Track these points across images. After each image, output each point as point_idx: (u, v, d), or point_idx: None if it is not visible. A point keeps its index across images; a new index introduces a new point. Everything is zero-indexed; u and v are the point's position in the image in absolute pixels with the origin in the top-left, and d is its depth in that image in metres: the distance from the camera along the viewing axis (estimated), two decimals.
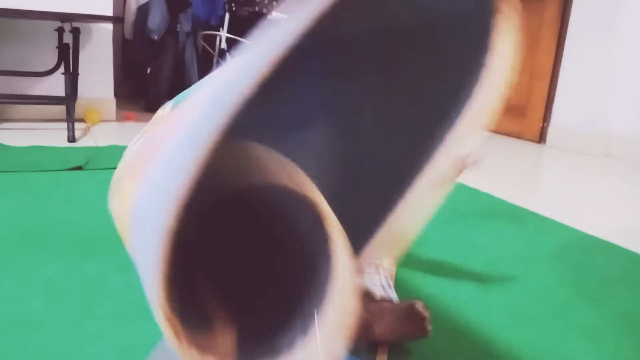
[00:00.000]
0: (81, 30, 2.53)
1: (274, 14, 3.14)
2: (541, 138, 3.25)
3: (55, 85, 2.51)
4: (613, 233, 1.57)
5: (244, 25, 3.35)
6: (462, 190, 1.93)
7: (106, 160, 1.91)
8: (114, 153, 2.02)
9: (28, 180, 1.64)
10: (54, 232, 1.26)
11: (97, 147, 2.13)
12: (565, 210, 1.81)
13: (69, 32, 2.37)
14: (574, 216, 1.72)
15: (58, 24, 2.37)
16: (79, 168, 1.79)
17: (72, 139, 2.23)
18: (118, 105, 2.94)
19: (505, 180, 2.23)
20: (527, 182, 2.28)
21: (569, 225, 1.60)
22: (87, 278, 1.04)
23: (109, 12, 2.65)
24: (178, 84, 3.52)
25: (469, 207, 1.73)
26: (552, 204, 1.91)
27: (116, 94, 2.92)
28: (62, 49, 2.37)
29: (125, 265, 1.10)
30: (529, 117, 3.34)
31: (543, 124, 3.24)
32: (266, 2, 3.18)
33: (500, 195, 1.89)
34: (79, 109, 2.68)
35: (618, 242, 1.49)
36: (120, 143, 2.26)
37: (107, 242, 1.22)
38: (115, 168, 2.04)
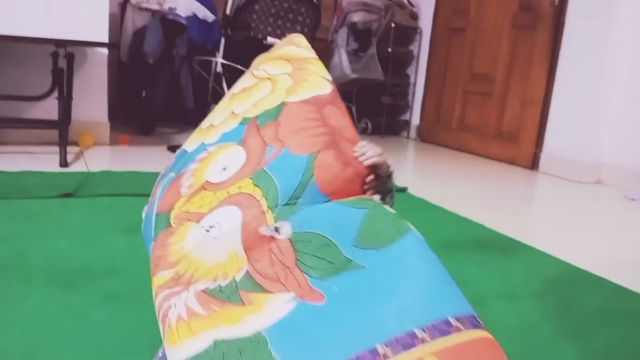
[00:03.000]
0: (76, 54, 2.54)
1: (270, 40, 3.17)
2: (534, 164, 3.27)
3: (50, 108, 2.52)
4: (601, 265, 1.57)
5: (239, 49, 3.38)
6: (454, 220, 1.93)
7: (96, 187, 1.91)
8: (105, 179, 2.03)
9: (16, 207, 1.63)
10: (38, 261, 1.25)
11: (88, 173, 2.12)
12: (555, 241, 1.81)
13: (63, 57, 2.38)
14: (563, 247, 1.72)
15: (53, 48, 2.38)
16: (69, 195, 1.79)
17: (64, 163, 2.23)
18: (113, 127, 2.94)
19: (498, 208, 2.23)
20: (518, 211, 2.28)
21: (558, 258, 1.60)
22: (69, 311, 1.03)
23: (105, 38, 2.66)
24: (173, 107, 3.53)
25: (459, 237, 1.73)
26: (542, 234, 1.91)
27: (111, 117, 2.92)
28: (57, 73, 2.38)
29: (109, 298, 1.09)
30: (521, 143, 3.35)
31: (535, 151, 3.26)
32: (261, 27, 3.21)
33: (492, 224, 1.89)
34: (73, 132, 2.69)
35: (605, 274, 1.49)
36: (112, 168, 2.26)
37: (92, 273, 1.21)
38: (105, 195, 2.03)
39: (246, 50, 3.31)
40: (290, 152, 0.92)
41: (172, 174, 1.16)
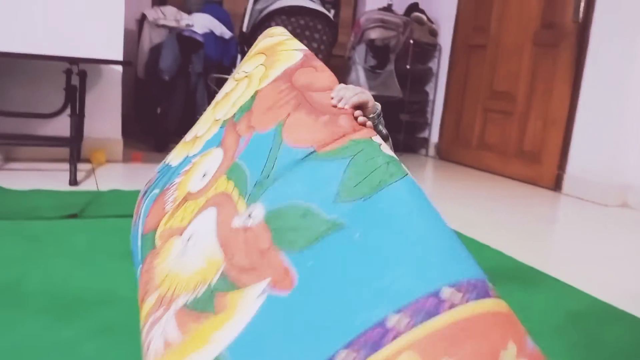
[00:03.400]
0: (91, 71, 2.53)
1: None
2: (557, 186, 3.16)
3: (63, 125, 2.50)
4: (628, 298, 1.47)
5: None
6: (472, 247, 1.84)
7: (103, 207, 1.87)
8: (113, 199, 1.99)
9: (20, 229, 1.59)
10: (34, 288, 1.20)
11: (96, 192, 2.09)
12: (578, 270, 1.72)
13: (76, 74, 2.37)
14: (587, 277, 1.62)
15: (67, 65, 2.37)
16: (74, 216, 1.75)
17: (73, 182, 2.21)
18: (128, 143, 2.93)
19: (518, 233, 2.14)
20: (540, 237, 2.19)
21: (582, 290, 1.51)
22: (59, 345, 0.98)
23: (119, 55, 2.65)
24: (188, 123, 3.51)
25: None
26: (564, 262, 1.82)
27: (127, 133, 2.91)
28: (69, 90, 2.37)
29: (101, 331, 1.04)
30: (544, 163, 3.25)
31: (558, 172, 3.15)
32: None
33: (512, 251, 1.80)
34: (86, 149, 2.67)
35: (632, 308, 1.39)
36: (123, 187, 2.22)
37: (87, 302, 1.16)
38: (112, 216, 1.99)
39: None
40: (260, 133, 0.88)
41: (156, 191, 1.12)
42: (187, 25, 3.34)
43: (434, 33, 4.19)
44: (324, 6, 3.14)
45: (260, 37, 1.19)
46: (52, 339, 1.00)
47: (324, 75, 0.88)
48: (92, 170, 2.52)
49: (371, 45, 3.85)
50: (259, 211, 0.74)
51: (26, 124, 2.57)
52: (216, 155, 0.95)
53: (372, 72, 3.83)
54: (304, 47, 0.99)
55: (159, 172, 1.23)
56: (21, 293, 1.17)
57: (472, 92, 3.87)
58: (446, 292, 0.51)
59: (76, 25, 2.58)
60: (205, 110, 3.45)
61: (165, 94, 3.24)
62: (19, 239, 1.51)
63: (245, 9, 3.19)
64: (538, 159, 3.29)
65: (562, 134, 3.13)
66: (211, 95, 3.48)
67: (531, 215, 2.53)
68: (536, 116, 3.32)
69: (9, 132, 2.52)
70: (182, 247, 0.83)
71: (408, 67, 3.99)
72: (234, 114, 1.00)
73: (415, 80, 4.16)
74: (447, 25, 4.12)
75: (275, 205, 0.73)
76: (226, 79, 3.34)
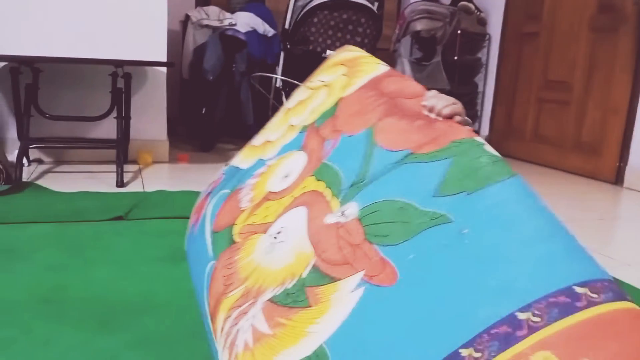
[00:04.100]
0: (136, 73, 2.55)
1: (329, 53, 3.08)
2: (617, 179, 2.98)
3: (110, 127, 2.53)
4: None
5: (299, 63, 3.31)
6: None
7: (149, 209, 1.86)
8: (159, 200, 1.98)
9: (65, 232, 1.60)
10: (76, 295, 1.19)
11: (143, 193, 2.09)
12: None
13: (121, 77, 2.39)
14: None
15: (112, 68, 2.39)
16: (120, 218, 1.75)
17: (120, 183, 2.22)
18: (174, 144, 2.94)
19: (579, 232, 2.01)
20: (602, 234, 2.05)
21: None
22: (98, 356, 0.96)
23: (163, 57, 2.66)
24: (233, 123, 3.51)
25: None
26: (630, 263, 1.69)
27: (173, 133, 2.92)
28: (115, 93, 2.38)
29: (142, 341, 1.01)
30: (603, 155, 3.08)
31: (619, 164, 2.97)
32: (320, 40, 3.12)
33: None
34: (133, 150, 2.70)
35: None
36: (170, 186, 2.22)
37: (129, 310, 1.13)
38: (158, 218, 1.99)
39: (305, 64, 3.23)
40: (348, 135, 0.87)
41: (226, 191, 1.13)
42: (230, 24, 3.33)
43: (482, 22, 4.04)
44: None
45: (337, 51, 1.21)
46: (93, 349, 0.97)
47: (412, 83, 0.89)
48: (139, 172, 2.54)
49: (417, 37, 3.75)
50: (352, 209, 0.74)
51: (75, 127, 2.61)
52: (299, 158, 0.96)
53: (418, 65, 3.73)
54: (386, 64, 1.02)
55: (224, 173, 1.25)
56: (63, 302, 1.16)
57: (524, 82, 3.71)
58: (579, 290, 0.47)
59: (121, 28, 2.60)
60: (250, 108, 3.44)
61: (210, 94, 3.24)
62: (64, 243, 1.51)
63: (288, 6, 3.15)
64: (597, 151, 3.12)
65: (623, 124, 2.95)
66: (255, 94, 3.46)
67: (591, 211, 2.39)
68: (594, 106, 3.14)
69: (59, 135, 2.57)
70: (269, 243, 0.83)
71: (456, 58, 3.86)
72: (315, 120, 1.01)
73: (464, 72, 4.02)
74: (497, 13, 3.96)
75: (369, 202, 0.72)
76: (270, 78, 3.31)
